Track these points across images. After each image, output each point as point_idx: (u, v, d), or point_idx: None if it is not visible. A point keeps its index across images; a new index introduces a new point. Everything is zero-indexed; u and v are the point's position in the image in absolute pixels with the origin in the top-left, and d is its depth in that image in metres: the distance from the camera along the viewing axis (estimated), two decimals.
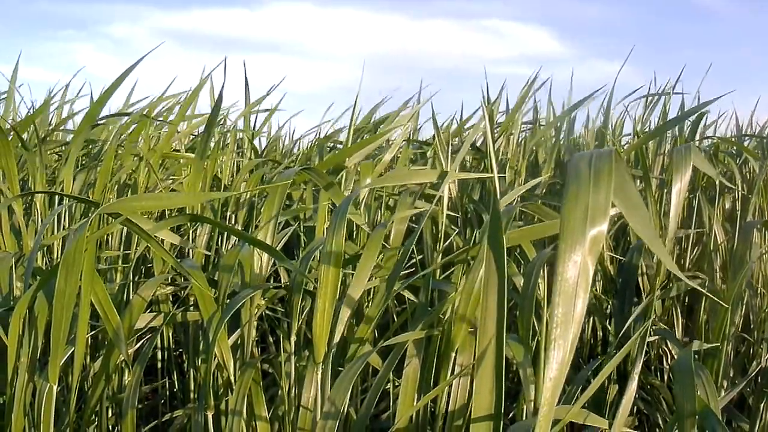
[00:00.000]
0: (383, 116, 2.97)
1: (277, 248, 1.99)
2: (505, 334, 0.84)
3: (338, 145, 3.21)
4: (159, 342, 2.20)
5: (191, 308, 1.94)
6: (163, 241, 2.21)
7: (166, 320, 1.67)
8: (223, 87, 2.26)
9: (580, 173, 0.82)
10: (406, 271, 1.55)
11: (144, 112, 2.69)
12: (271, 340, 2.15)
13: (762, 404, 1.81)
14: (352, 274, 1.44)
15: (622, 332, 1.80)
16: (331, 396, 1.25)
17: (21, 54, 2.78)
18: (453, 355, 1.30)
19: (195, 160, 2.04)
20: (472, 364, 1.36)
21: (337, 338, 1.34)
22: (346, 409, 1.26)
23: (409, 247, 1.38)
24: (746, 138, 3.28)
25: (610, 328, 2.05)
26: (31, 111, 3.24)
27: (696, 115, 2.63)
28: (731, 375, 2.05)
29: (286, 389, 1.65)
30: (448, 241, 2.07)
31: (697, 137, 2.91)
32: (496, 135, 2.80)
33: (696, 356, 1.74)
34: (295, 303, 1.49)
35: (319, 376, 1.35)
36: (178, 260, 2.41)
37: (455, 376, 1.29)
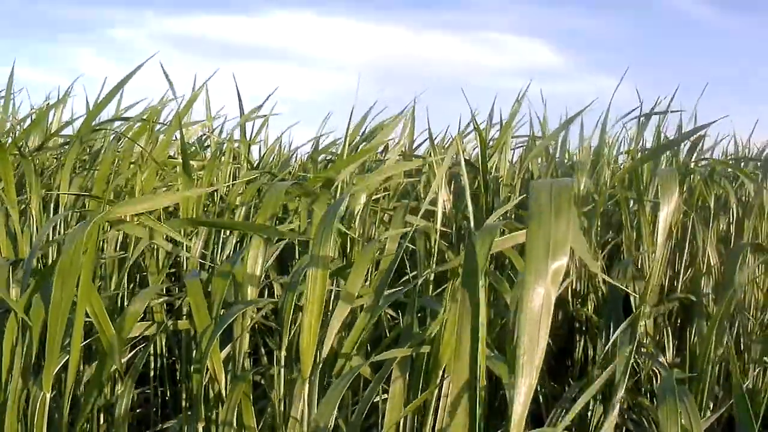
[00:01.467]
0: (378, 125, 2.97)
1: (271, 261, 2.01)
2: (479, 363, 0.87)
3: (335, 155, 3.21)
4: (152, 350, 2.21)
5: (184, 317, 1.95)
6: (157, 251, 2.22)
7: (159, 330, 1.67)
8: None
9: (542, 205, 0.86)
10: (394, 291, 1.56)
11: (142, 118, 2.70)
12: (263, 351, 2.16)
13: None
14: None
15: (604, 351, 1.81)
16: (319, 411, 1.26)
17: (21, 57, 2.79)
18: (440, 372, 1.31)
19: (182, 175, 2.05)
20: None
21: (325, 353, 1.35)
22: (333, 422, 1.27)
23: (393, 266, 1.39)
24: (743, 161, 3.29)
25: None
26: (32, 114, 3.25)
27: (695, 136, 2.65)
28: (720, 396, 2.07)
29: (277, 402, 1.66)
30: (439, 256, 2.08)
31: (693, 158, 2.93)
32: (489, 152, 2.81)
33: (683, 378, 1.75)
34: (286, 317, 1.50)
35: (306, 390, 1.36)
36: (173, 270, 2.44)
37: (435, 388, 1.30)
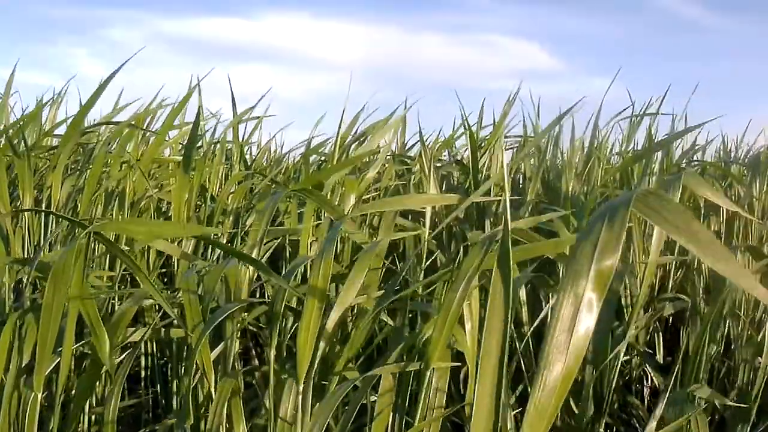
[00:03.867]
0: (370, 125, 2.97)
1: (264, 258, 2.01)
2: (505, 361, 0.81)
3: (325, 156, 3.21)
4: (144, 351, 2.21)
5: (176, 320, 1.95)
6: (149, 250, 2.22)
7: (146, 333, 1.67)
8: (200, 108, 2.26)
9: (596, 221, 0.78)
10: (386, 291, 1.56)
11: (133, 120, 2.70)
12: (254, 353, 2.16)
13: (739, 427, 1.82)
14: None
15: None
16: (314, 419, 1.27)
17: (14, 58, 2.78)
18: (428, 374, 1.31)
19: (179, 173, 2.05)
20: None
21: (319, 356, 1.36)
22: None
23: (381, 272, 1.39)
24: (733, 162, 3.30)
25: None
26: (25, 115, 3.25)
27: (683, 136, 2.65)
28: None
29: (268, 401, 1.66)
30: (431, 258, 2.08)
31: (684, 160, 2.93)
32: (480, 152, 2.81)
33: (674, 377, 1.76)
34: (276, 319, 1.50)
35: (300, 391, 1.36)
36: (163, 270, 2.43)
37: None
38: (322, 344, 1.35)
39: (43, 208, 2.32)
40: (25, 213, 2.20)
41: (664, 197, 0.80)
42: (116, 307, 1.98)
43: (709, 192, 1.61)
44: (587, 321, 0.72)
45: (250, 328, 2.01)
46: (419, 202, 1.73)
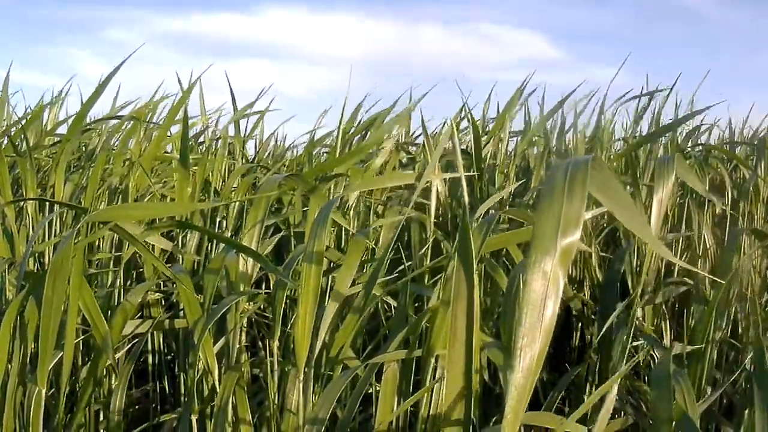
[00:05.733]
0: (373, 116, 2.96)
1: (267, 253, 2.01)
2: (475, 343, 0.83)
3: (328, 149, 3.21)
4: (150, 345, 2.21)
5: (181, 313, 1.95)
6: (153, 246, 2.22)
7: (152, 326, 1.67)
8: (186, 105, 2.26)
9: (555, 182, 0.80)
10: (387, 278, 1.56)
11: (134, 115, 2.70)
12: (261, 345, 2.16)
13: (747, 409, 1.82)
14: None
15: (599, 335, 1.81)
16: (317, 407, 1.27)
17: (16, 60, 2.78)
18: (432, 360, 1.31)
19: (179, 168, 2.05)
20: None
21: (319, 344, 1.35)
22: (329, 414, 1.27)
23: (386, 254, 1.39)
24: (737, 145, 3.29)
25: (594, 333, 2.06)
26: (27, 115, 3.25)
27: (688, 121, 2.65)
28: (721, 380, 2.06)
29: (272, 393, 1.66)
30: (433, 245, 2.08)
31: (689, 144, 2.92)
32: (484, 140, 2.80)
33: (681, 361, 1.75)
34: (278, 308, 1.50)
35: (301, 380, 1.36)
36: (168, 265, 2.43)
37: (433, 383, 1.30)
38: (322, 331, 1.35)
39: (46, 204, 2.32)
40: (29, 211, 2.20)
41: (603, 167, 0.82)
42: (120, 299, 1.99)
43: (690, 176, 1.62)
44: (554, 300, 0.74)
45: (257, 319, 2.01)
46: (398, 180, 1.73)
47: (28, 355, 1.55)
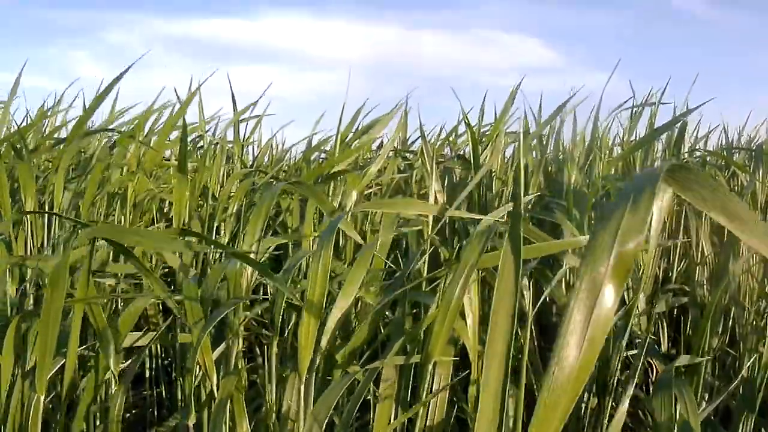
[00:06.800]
0: (372, 121, 2.96)
1: (264, 259, 2.01)
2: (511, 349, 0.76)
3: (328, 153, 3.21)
4: (148, 352, 2.21)
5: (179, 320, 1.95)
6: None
7: (153, 339, 1.67)
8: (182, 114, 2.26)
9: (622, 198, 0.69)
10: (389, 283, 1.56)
11: (135, 121, 2.70)
12: (258, 351, 2.16)
13: (744, 416, 1.82)
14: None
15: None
16: (316, 410, 1.27)
17: (14, 61, 2.78)
18: (430, 368, 1.31)
19: (177, 175, 2.06)
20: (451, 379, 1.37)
21: (321, 351, 1.36)
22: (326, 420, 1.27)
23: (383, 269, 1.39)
24: (735, 151, 3.29)
25: None
26: (27, 119, 3.26)
27: (680, 124, 2.65)
28: (718, 388, 2.06)
29: (270, 399, 1.66)
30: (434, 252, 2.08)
31: (687, 150, 2.93)
32: (481, 146, 2.80)
33: (678, 368, 1.76)
34: (277, 315, 1.50)
35: (302, 386, 1.36)
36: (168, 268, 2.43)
37: (433, 395, 1.30)
38: (324, 339, 1.35)
39: (46, 210, 2.32)
40: (28, 216, 2.20)
41: (693, 170, 0.74)
42: (119, 308, 1.99)
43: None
44: (606, 310, 0.64)
45: (255, 326, 2.01)
46: (412, 209, 1.71)
47: (30, 363, 1.55)
